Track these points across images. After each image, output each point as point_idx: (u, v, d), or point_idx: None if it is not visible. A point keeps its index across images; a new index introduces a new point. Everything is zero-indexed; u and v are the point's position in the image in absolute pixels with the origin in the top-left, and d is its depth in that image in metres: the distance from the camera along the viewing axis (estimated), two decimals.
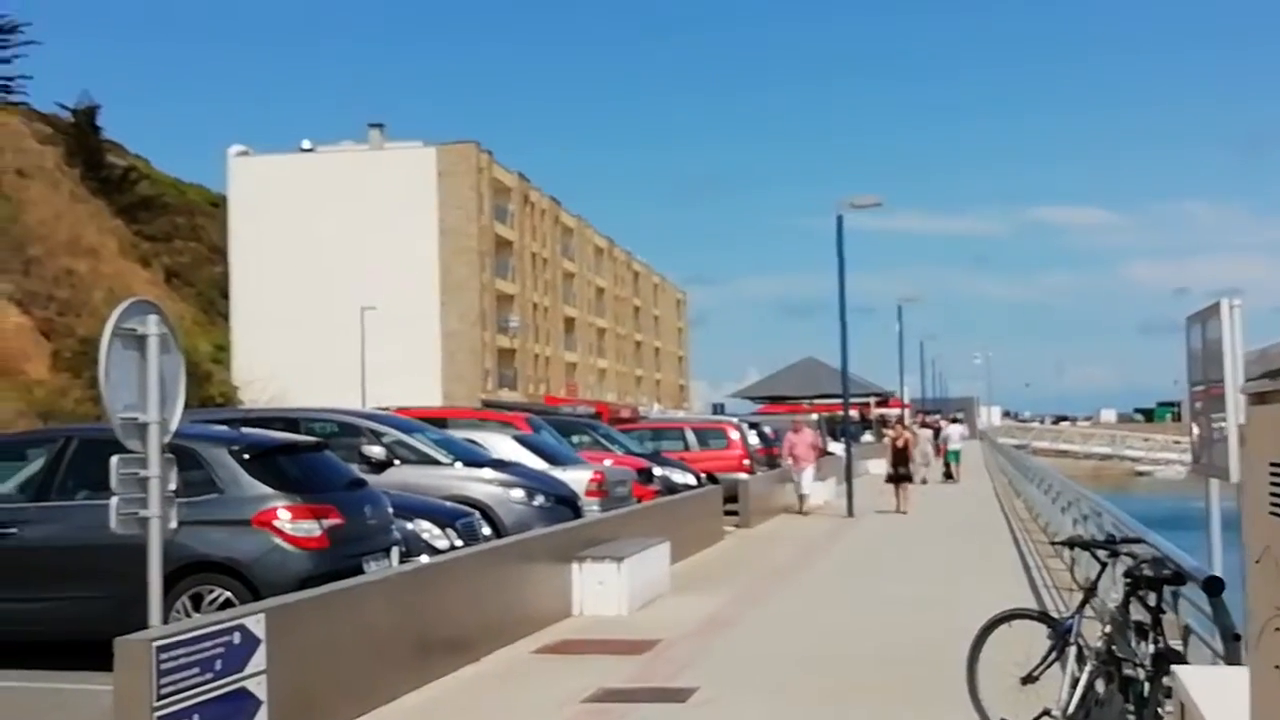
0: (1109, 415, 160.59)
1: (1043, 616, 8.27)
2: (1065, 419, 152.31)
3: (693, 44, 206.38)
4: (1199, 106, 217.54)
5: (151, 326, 8.42)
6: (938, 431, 47.62)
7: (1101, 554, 7.89)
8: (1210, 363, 7.67)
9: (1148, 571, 7.07)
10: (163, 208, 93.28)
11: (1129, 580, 7.25)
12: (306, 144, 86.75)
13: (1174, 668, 4.57)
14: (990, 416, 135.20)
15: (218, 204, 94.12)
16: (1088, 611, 7.89)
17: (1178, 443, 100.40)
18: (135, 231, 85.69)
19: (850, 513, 27.17)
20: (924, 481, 42.18)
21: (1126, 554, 7.67)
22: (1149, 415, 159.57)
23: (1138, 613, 7.28)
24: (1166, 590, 7.06)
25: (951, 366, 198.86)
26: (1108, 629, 7.31)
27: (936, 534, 23.69)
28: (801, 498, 28.67)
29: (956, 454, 44.58)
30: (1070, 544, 8.65)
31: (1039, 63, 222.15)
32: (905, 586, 16.06)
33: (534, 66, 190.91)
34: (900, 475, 28.99)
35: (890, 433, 43.54)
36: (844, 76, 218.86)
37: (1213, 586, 6.23)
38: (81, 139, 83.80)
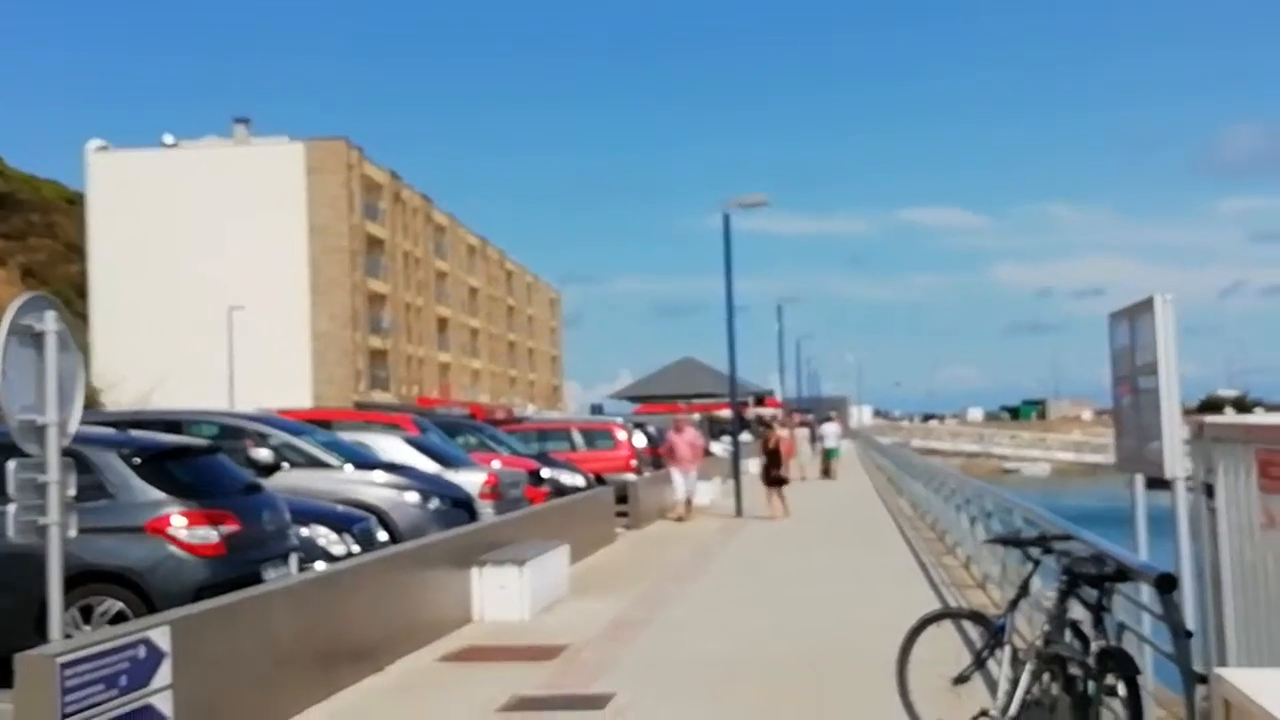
0: (976, 414, 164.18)
1: (974, 615, 8.23)
2: (934, 417, 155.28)
3: (571, 47, 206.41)
4: (1063, 111, 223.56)
5: (49, 323, 8.02)
6: (813, 431, 48.24)
7: (1034, 551, 7.86)
8: (1140, 358, 7.69)
9: (1089, 569, 7.05)
10: (17, 204, 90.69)
11: (1066, 577, 7.22)
12: (169, 139, 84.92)
13: (1219, 670, 4.51)
14: (862, 415, 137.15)
15: (74, 201, 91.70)
16: (1019, 611, 7.88)
17: (1042, 440, 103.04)
18: None
19: (739, 513, 27.20)
20: (803, 479, 43.02)
21: (1061, 551, 7.65)
22: (1015, 413, 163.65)
23: (1073, 610, 7.27)
24: (1107, 587, 7.05)
25: (825, 366, 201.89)
26: (1046, 627, 7.28)
27: (828, 533, 23.78)
28: (685, 503, 26.93)
29: (835, 451, 45.39)
30: (1003, 541, 8.63)
31: (907, 70, 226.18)
32: (809, 587, 16.05)
33: (405, 62, 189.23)
34: (775, 478, 27.36)
35: (782, 432, 44.05)
36: (720, 84, 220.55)
37: (1165, 584, 6.21)
38: None
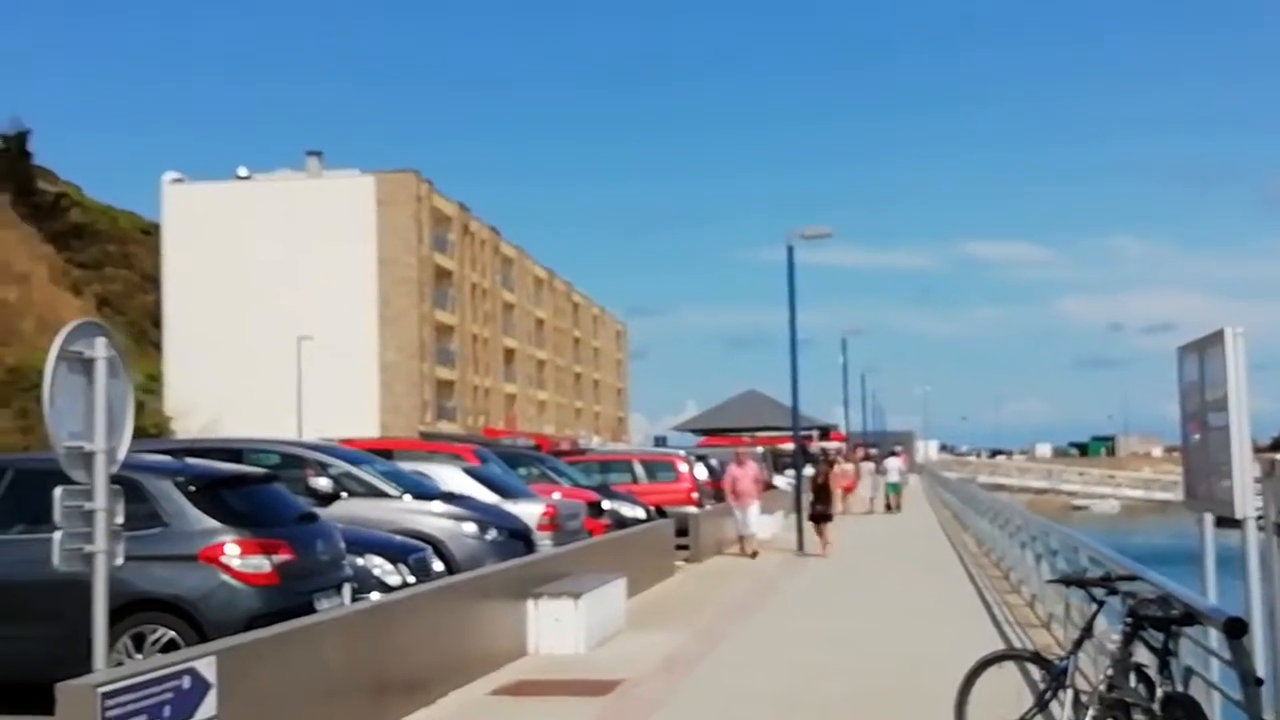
0: (1044, 449, 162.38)
1: (1035, 657, 8.02)
2: (1001, 453, 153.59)
3: (635, 78, 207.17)
4: (1126, 142, 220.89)
5: (100, 349, 7.98)
6: (878, 465, 48.04)
7: (1099, 592, 7.60)
8: (1210, 393, 7.42)
9: (1154, 611, 6.78)
10: (94, 235, 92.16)
11: (1132, 619, 6.96)
12: (242, 171, 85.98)
13: None
14: (928, 450, 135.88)
15: (150, 231, 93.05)
16: (1083, 652, 7.62)
17: (1111, 477, 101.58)
18: (66, 259, 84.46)
19: (801, 548, 26.91)
20: (869, 512, 42.98)
21: (1126, 592, 7.39)
22: (1083, 449, 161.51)
23: (1139, 654, 7.01)
24: (1173, 631, 6.78)
25: (890, 400, 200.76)
26: (1110, 671, 7.02)
27: (891, 568, 23.51)
28: (744, 538, 26.26)
29: (896, 486, 45.68)
30: (1067, 581, 8.39)
31: (969, 99, 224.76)
32: (868, 623, 15.81)
33: (474, 94, 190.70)
34: (820, 514, 26.94)
35: (845, 466, 43.94)
36: (783, 112, 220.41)
37: (1234, 628, 5.93)
38: (12, 164, 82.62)
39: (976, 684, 7.84)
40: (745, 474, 26.47)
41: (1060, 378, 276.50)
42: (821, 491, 27.30)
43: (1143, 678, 6.94)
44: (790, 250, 28.67)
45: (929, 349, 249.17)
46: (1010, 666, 8.19)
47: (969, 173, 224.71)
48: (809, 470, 62.29)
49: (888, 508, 44.75)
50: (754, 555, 25.56)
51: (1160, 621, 6.74)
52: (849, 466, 48.38)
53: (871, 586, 20.29)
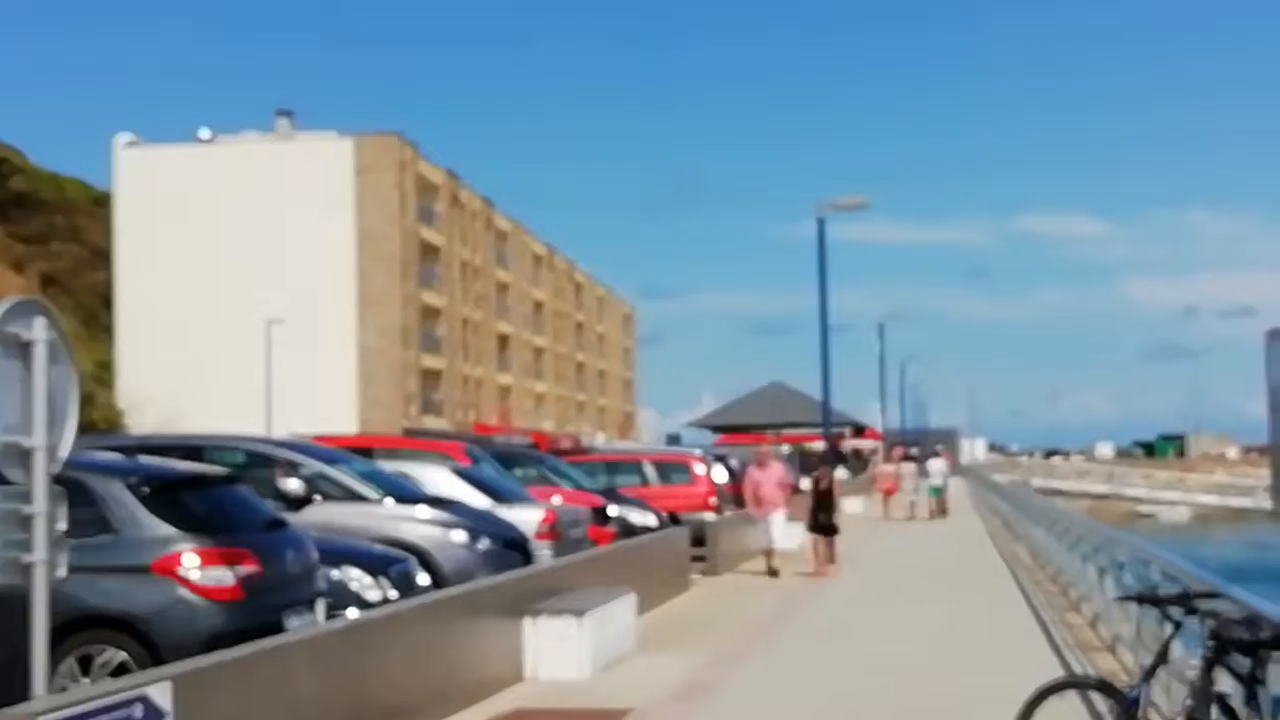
0: (1105, 449, 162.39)
1: (1102, 686, 7.97)
2: (1057, 453, 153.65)
3: (649, 38, 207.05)
4: (1201, 106, 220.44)
5: (38, 331, 7.91)
6: (921, 466, 48.25)
7: (1175, 611, 7.51)
8: None
9: (1240, 633, 6.70)
10: (38, 205, 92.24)
11: (1214, 643, 6.89)
12: (204, 133, 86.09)
13: None
14: (974, 450, 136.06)
15: (101, 202, 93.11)
16: (1157, 680, 7.55)
17: (1181, 480, 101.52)
18: (7, 232, 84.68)
19: (832, 559, 26.79)
20: (911, 518, 43.90)
21: (1207, 611, 7.30)
22: (1150, 450, 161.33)
23: (1222, 682, 6.93)
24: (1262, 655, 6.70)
25: (933, 393, 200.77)
26: (1189, 702, 6.95)
27: (933, 583, 23.42)
28: (769, 552, 25.11)
29: (937, 490, 46.31)
30: (1138, 599, 8.32)
31: (1022, 61, 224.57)
32: (910, 644, 15.73)
33: (465, 51, 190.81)
34: (822, 525, 25.27)
35: (885, 468, 43.82)
36: (816, 78, 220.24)
37: None
38: None
39: (1037, 714, 7.77)
40: (768, 477, 25.62)
41: (1125, 369, 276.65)
42: (824, 499, 25.58)
43: (1226, 709, 6.89)
44: (821, 224, 28.63)
45: (977, 336, 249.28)
46: (1073, 696, 8.15)
47: (1024, 140, 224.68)
48: (842, 473, 62.45)
49: (931, 513, 45.21)
50: (774, 573, 24.49)
51: (1247, 645, 6.68)
52: (889, 468, 48.45)
53: (912, 604, 20.19)
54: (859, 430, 79.05)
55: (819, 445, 56.94)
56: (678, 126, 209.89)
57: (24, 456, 7.91)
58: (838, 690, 12.81)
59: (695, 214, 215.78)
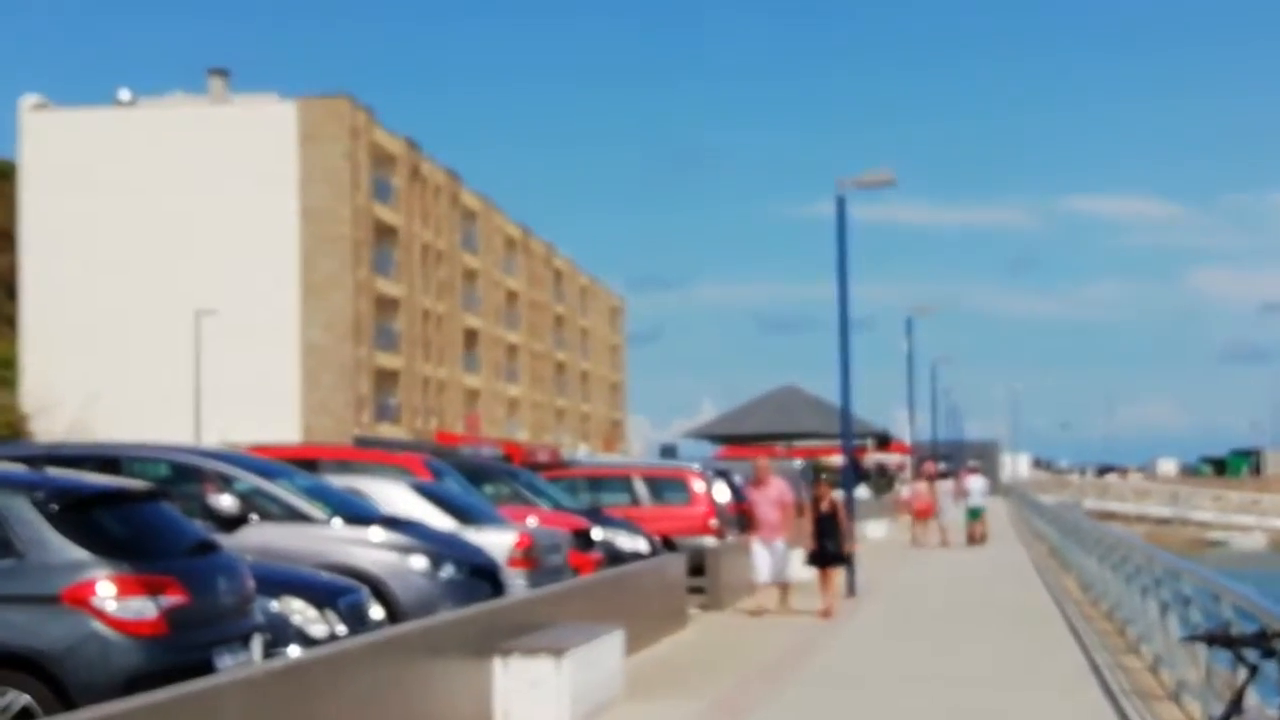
0: (1168, 466, 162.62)
1: None
2: (1113, 469, 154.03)
3: (649, 2, 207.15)
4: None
5: None
6: (958, 485, 48.44)
7: (1251, 653, 7.53)
8: None
9: None
10: None
11: None
12: (125, 95, 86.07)
13: None
14: (1017, 466, 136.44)
15: (4, 173, 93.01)
16: None
17: (1256, 502, 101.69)
18: None
19: (852, 591, 26.87)
20: (944, 544, 44.46)
21: None
22: (1221, 467, 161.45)
23: None
24: None
25: (969, 400, 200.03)
26: None
27: (970, 620, 23.53)
28: (778, 587, 24.45)
29: (977, 512, 46.54)
30: (1209, 639, 8.32)
31: (1072, 32, 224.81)
32: (942, 693, 15.79)
33: (429, 6, 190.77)
34: (828, 555, 24.52)
35: (918, 486, 43.78)
36: (835, 49, 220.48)
37: None
38: None
39: None
40: (765, 496, 24.61)
41: (1192, 374, 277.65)
42: (827, 524, 24.62)
43: None
44: (841, 204, 28.55)
45: (1021, 334, 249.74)
46: None
47: (1077, 113, 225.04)
48: (863, 491, 62.56)
49: (970, 538, 45.61)
50: (762, 613, 23.87)
51: None
52: (922, 485, 48.60)
53: (945, 645, 20.25)
54: (884, 442, 79.07)
55: (837, 459, 57.00)
56: (676, 97, 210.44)
57: None
58: None
59: (694, 194, 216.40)
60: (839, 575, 25.02)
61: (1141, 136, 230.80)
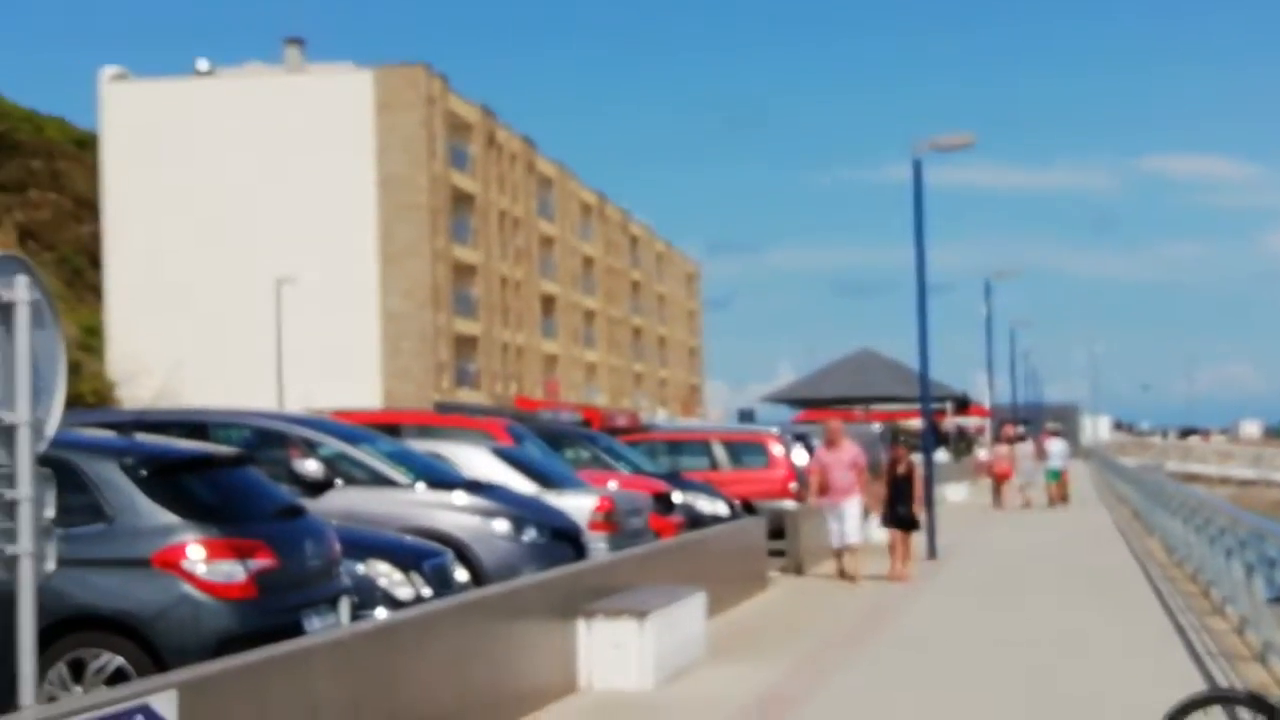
0: (1252, 428, 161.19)
1: (1252, 700, 7.97)
2: (1194, 432, 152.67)
3: None
4: None
5: (20, 291, 7.98)
6: (1039, 447, 48.45)
7: None
8: None
9: None
10: (14, 148, 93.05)
11: None
12: (203, 65, 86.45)
13: None
14: (1097, 428, 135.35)
15: (86, 144, 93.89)
16: None
17: None
18: None
19: (932, 554, 26.80)
20: (1026, 506, 44.56)
21: None
22: None
23: None
24: None
25: (1048, 363, 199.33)
26: None
27: (1051, 581, 23.43)
28: (841, 552, 23.81)
29: (1057, 474, 46.91)
30: None
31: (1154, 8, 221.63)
32: (1025, 654, 15.72)
33: None
34: (902, 519, 24.23)
35: (999, 449, 43.59)
36: (913, 12, 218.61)
37: None
38: None
39: None
40: (838, 459, 23.98)
41: (1274, 335, 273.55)
42: (902, 486, 24.44)
43: None
44: (918, 167, 28.38)
45: (1101, 297, 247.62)
46: (1218, 713, 8.13)
47: (1154, 73, 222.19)
48: (942, 455, 62.24)
49: (1051, 500, 45.84)
50: (848, 577, 23.40)
51: None
52: (1003, 448, 48.50)
53: (1027, 607, 20.17)
54: (962, 405, 78.45)
55: (915, 423, 56.80)
56: (751, 60, 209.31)
57: (5, 434, 7.97)
58: (940, 707, 12.80)
59: (770, 158, 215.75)
60: (912, 540, 24.57)
61: (1221, 97, 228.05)
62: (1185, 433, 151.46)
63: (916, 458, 25.95)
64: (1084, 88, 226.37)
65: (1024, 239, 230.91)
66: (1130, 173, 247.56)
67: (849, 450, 24.13)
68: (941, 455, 62.20)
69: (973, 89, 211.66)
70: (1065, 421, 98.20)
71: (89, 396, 63.91)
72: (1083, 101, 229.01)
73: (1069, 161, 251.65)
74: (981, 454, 66.16)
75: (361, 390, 74.66)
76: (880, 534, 25.15)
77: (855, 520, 23.89)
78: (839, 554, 23.93)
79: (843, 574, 23.71)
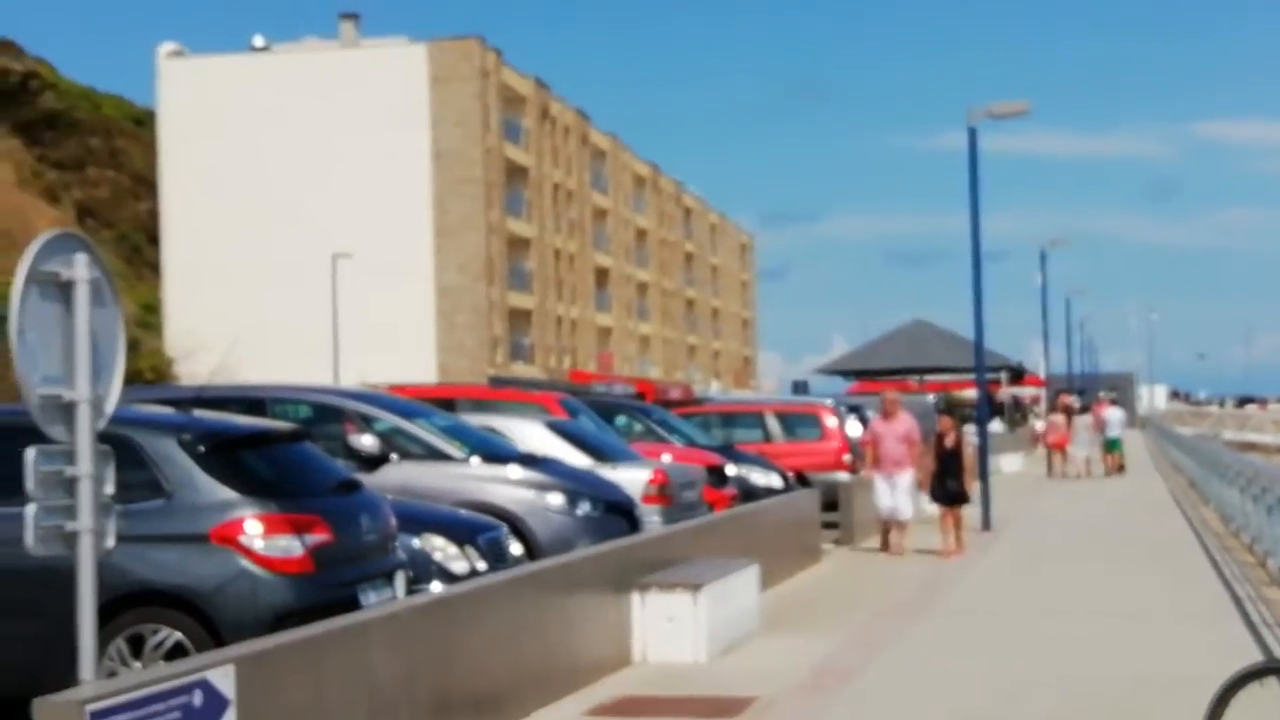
0: None
1: None
2: (1252, 400, 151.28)
3: None
4: None
5: (80, 269, 8.02)
6: (1098, 418, 48.36)
7: None
8: None
9: None
10: (72, 126, 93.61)
11: None
12: (259, 41, 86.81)
13: None
14: (1154, 398, 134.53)
15: (143, 121, 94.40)
16: None
17: None
18: (37, 156, 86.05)
19: (987, 525, 26.69)
20: (1084, 475, 44.93)
21: None
22: None
23: None
24: None
25: (1104, 332, 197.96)
26: None
27: (1108, 552, 23.33)
28: (893, 526, 23.60)
29: (1115, 443, 47.26)
30: None
31: None
32: (1080, 624, 15.67)
33: None
34: (951, 493, 23.57)
35: (1055, 418, 43.62)
36: None
37: None
38: None
39: (1232, 705, 7.71)
40: (892, 430, 23.70)
41: None
42: (950, 460, 23.80)
43: None
44: (973, 134, 28.19)
45: (1157, 265, 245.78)
46: (1275, 684, 8.06)
47: (1210, 38, 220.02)
48: (997, 425, 62.01)
49: (1108, 470, 46.16)
50: (890, 551, 23.32)
51: None
52: (1059, 418, 48.38)
53: (1082, 576, 20.11)
54: (1017, 376, 78.17)
55: (970, 393, 56.56)
56: (802, 28, 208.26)
57: (66, 411, 8.01)
58: (994, 676, 12.75)
59: (823, 128, 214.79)
60: (961, 514, 23.86)
61: (1276, 61, 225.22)
62: (1242, 401, 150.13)
63: (969, 429, 25.69)
64: (1141, 53, 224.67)
65: (1080, 207, 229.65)
66: (1187, 139, 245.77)
67: (904, 422, 23.85)
68: (996, 426, 62.03)
69: (1030, 55, 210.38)
70: (1120, 391, 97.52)
71: (147, 373, 64.41)
72: (1140, 67, 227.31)
73: (1126, 128, 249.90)
74: (1038, 424, 65.91)
75: (416, 365, 74.88)
76: (933, 508, 24.72)
77: (906, 493, 23.64)
78: (886, 527, 23.74)
79: (887, 547, 23.48)
